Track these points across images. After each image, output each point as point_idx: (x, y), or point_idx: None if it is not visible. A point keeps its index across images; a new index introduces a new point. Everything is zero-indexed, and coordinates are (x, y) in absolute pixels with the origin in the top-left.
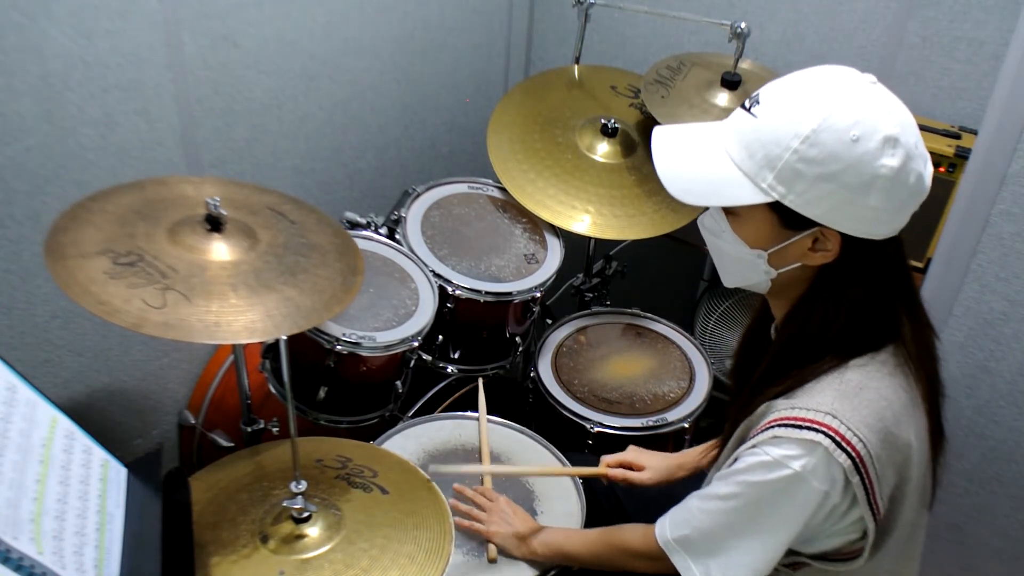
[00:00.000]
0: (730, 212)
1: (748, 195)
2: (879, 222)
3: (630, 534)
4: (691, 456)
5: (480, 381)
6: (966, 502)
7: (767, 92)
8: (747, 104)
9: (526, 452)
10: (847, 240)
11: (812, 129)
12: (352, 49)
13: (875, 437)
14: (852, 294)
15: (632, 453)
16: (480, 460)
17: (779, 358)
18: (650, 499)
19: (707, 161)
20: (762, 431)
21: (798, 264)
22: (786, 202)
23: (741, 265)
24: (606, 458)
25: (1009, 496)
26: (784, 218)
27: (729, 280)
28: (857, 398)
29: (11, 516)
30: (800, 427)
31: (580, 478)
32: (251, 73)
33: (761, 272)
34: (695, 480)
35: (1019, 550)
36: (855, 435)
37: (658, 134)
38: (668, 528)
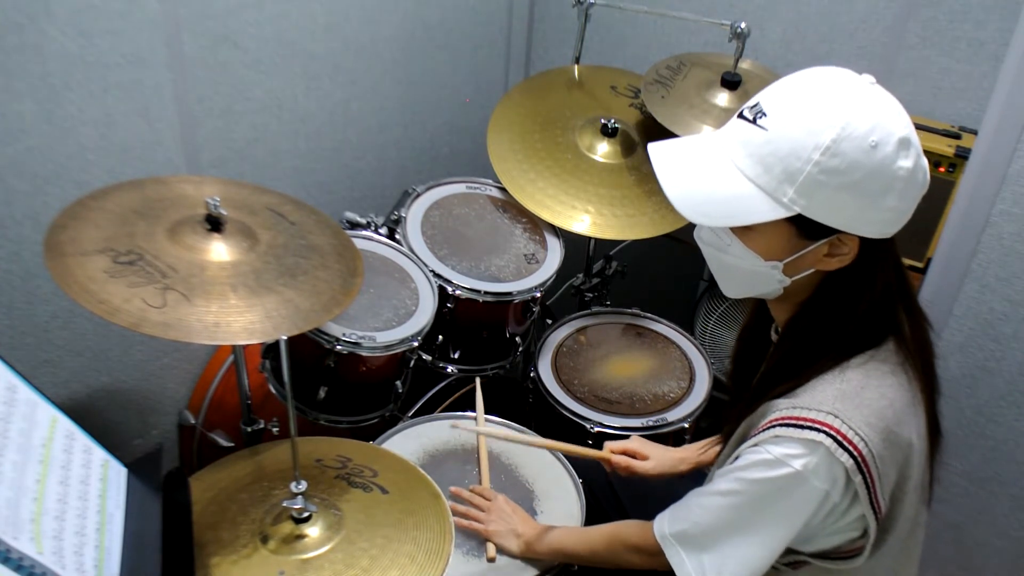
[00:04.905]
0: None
1: (768, 211)
2: (894, 222)
3: (628, 529)
4: (692, 451)
5: (477, 381)
6: (966, 502)
7: (771, 101)
8: (748, 115)
9: (526, 452)
10: (863, 243)
11: (832, 139)
12: (352, 49)
13: (877, 436)
14: (869, 294)
15: (636, 442)
16: (479, 460)
17: (783, 360)
18: (648, 497)
19: (718, 179)
20: (763, 430)
21: (812, 270)
22: (807, 214)
23: (752, 277)
24: (610, 444)
25: (1009, 496)
26: (802, 228)
27: (734, 291)
28: (859, 397)
29: (11, 516)
30: (802, 426)
31: (580, 477)
32: (251, 73)
33: (775, 282)
34: (696, 478)
35: (1019, 550)
36: (857, 434)
37: (656, 153)
38: (667, 523)
